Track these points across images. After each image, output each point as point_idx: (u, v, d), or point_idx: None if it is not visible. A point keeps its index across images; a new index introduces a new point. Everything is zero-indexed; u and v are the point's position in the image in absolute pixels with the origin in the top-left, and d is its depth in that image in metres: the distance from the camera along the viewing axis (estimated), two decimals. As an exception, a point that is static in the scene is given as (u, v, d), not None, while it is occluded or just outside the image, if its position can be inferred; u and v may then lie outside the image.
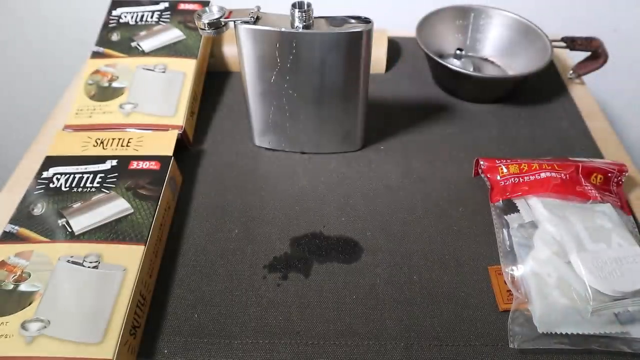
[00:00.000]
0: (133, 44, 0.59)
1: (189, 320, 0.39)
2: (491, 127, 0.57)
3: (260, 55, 0.45)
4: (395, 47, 0.68)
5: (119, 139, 0.49)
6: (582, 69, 0.62)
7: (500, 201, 0.45)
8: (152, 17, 0.61)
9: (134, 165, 0.46)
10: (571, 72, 0.63)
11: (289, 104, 0.48)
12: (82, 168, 0.46)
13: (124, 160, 0.47)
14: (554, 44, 0.59)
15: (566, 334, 0.37)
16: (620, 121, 0.94)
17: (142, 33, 0.60)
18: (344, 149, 0.53)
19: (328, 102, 0.48)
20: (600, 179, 0.46)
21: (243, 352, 0.37)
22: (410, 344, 0.38)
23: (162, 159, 0.47)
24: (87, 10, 0.82)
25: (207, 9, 0.44)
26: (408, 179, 0.51)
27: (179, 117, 0.52)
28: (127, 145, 0.49)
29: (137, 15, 0.62)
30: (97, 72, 0.56)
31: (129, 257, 0.39)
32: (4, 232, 0.41)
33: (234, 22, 0.43)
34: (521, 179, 0.45)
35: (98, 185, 0.45)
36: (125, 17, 0.61)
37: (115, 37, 0.59)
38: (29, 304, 0.36)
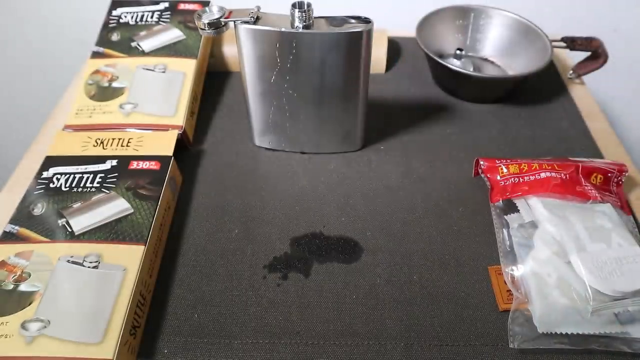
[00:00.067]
0: (133, 44, 0.59)
1: (189, 320, 0.39)
2: (491, 127, 0.57)
3: (260, 55, 0.45)
4: (395, 47, 0.68)
5: (119, 139, 0.49)
6: (582, 69, 0.62)
7: (500, 201, 0.45)
8: (152, 17, 0.61)
9: (134, 165, 0.47)
10: (571, 72, 0.63)
11: (289, 104, 0.48)
12: (82, 168, 0.46)
13: (124, 160, 0.47)
14: (554, 44, 0.59)
15: (566, 334, 0.37)
16: (620, 121, 0.94)
17: (142, 33, 0.60)
18: (344, 149, 0.53)
19: (328, 102, 0.48)
20: (600, 179, 0.46)
21: (243, 352, 0.37)
22: (410, 344, 0.38)
23: (162, 159, 0.47)
24: (87, 10, 0.82)
25: (207, 9, 0.44)
26: (408, 179, 0.51)
27: (179, 117, 0.52)
28: (127, 145, 0.49)
29: (137, 15, 0.62)
30: (97, 72, 0.56)
31: (129, 257, 0.39)
32: (4, 232, 0.41)
33: (234, 22, 0.43)
34: (521, 179, 0.45)
35: (98, 185, 0.45)
36: (125, 17, 0.61)
37: (115, 37, 0.59)
38: (29, 304, 0.36)
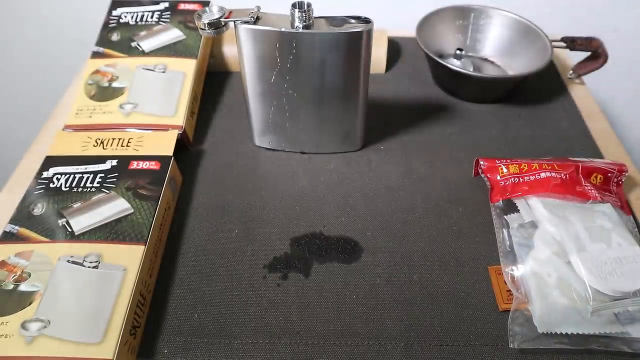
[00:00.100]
0: (133, 44, 0.59)
1: (189, 320, 0.39)
2: (491, 127, 0.57)
3: (260, 55, 0.45)
4: (395, 47, 0.68)
5: (119, 139, 0.49)
6: (582, 69, 0.62)
7: (500, 201, 0.45)
8: (152, 17, 0.61)
9: (134, 165, 0.47)
10: (571, 72, 0.63)
11: (289, 104, 0.48)
12: (82, 168, 0.46)
13: (124, 160, 0.47)
14: (554, 44, 0.59)
15: (566, 333, 0.37)
16: (620, 121, 0.94)
17: (142, 33, 0.60)
18: (344, 149, 0.53)
19: (328, 102, 0.48)
20: (600, 179, 0.46)
21: (243, 352, 0.37)
22: (410, 343, 0.38)
23: (162, 159, 0.47)
24: (87, 10, 0.82)
25: (207, 9, 0.44)
26: (408, 179, 0.51)
27: (179, 117, 0.52)
28: (127, 145, 0.49)
29: (137, 15, 0.62)
30: (97, 72, 0.56)
31: (129, 257, 0.39)
32: (4, 232, 0.41)
33: (234, 22, 0.43)
34: (521, 179, 0.45)
35: (98, 185, 0.45)
36: (125, 17, 0.61)
37: (115, 37, 0.59)
38: (29, 304, 0.36)
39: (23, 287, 0.37)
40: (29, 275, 0.38)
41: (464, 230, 0.46)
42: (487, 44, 0.64)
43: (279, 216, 0.47)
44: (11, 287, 0.37)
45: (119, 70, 0.56)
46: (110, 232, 0.41)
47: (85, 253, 0.39)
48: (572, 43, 0.59)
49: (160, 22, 0.61)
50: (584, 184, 0.44)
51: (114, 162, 0.47)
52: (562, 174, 0.44)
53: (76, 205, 0.43)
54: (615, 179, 0.46)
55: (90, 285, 0.37)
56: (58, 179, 0.45)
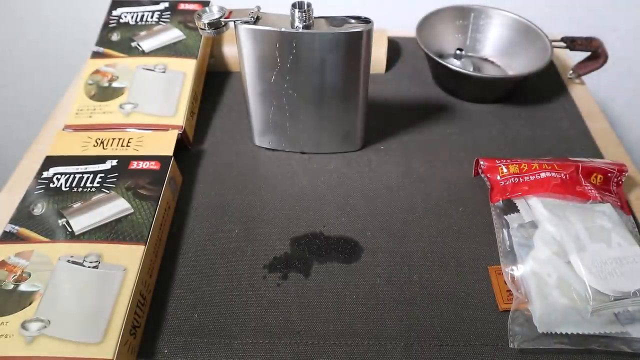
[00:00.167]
0: (133, 44, 0.59)
1: (189, 320, 0.39)
2: (491, 127, 0.57)
3: (260, 55, 0.45)
4: (395, 47, 0.68)
5: (119, 139, 0.49)
6: (582, 69, 0.62)
7: (500, 201, 0.45)
8: (152, 17, 0.61)
9: (134, 165, 0.47)
10: (571, 72, 0.63)
11: (289, 104, 0.48)
12: (82, 168, 0.46)
13: (124, 160, 0.47)
14: (554, 44, 0.59)
15: (566, 333, 0.37)
16: (620, 121, 0.94)
17: (142, 33, 0.60)
18: (344, 149, 0.53)
19: (328, 102, 0.48)
20: (600, 179, 0.46)
21: (243, 352, 0.37)
22: (410, 343, 0.38)
23: (162, 159, 0.47)
24: (88, 10, 0.82)
25: (207, 9, 0.44)
26: (408, 179, 0.51)
27: (179, 117, 0.52)
28: (127, 145, 0.49)
29: (137, 15, 0.62)
30: (97, 72, 0.56)
31: (129, 257, 0.39)
32: (4, 232, 0.41)
33: (234, 22, 0.43)
34: (521, 179, 0.45)
35: (98, 185, 0.45)
36: (126, 17, 0.61)
37: (115, 37, 0.59)
38: (29, 304, 0.36)
39: (23, 287, 0.37)
40: (29, 275, 0.38)
41: (464, 230, 0.46)
42: (487, 44, 0.64)
43: (279, 216, 0.47)
44: (11, 287, 0.37)
45: (119, 70, 0.56)
46: (110, 232, 0.41)
47: (85, 253, 0.39)
48: (572, 43, 0.59)
49: (160, 22, 0.61)
50: (584, 184, 0.44)
51: (114, 162, 0.47)
52: (562, 174, 0.44)
53: (76, 205, 0.43)
54: (615, 179, 0.46)
55: (90, 285, 0.37)
56: (58, 179, 0.45)
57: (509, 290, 0.40)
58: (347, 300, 0.41)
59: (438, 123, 0.57)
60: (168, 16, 0.61)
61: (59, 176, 0.46)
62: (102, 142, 0.49)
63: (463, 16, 0.64)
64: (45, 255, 0.39)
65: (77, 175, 0.46)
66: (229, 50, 0.63)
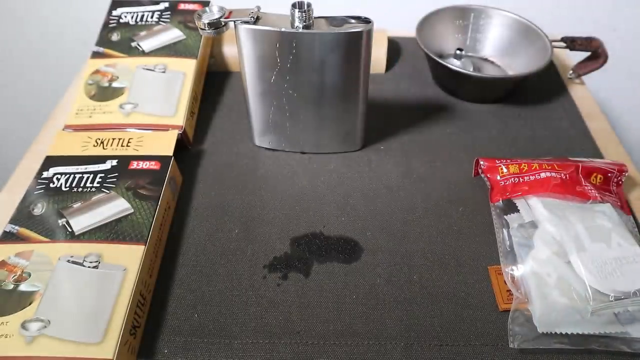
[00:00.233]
0: (133, 44, 0.59)
1: (189, 320, 0.39)
2: (491, 127, 0.57)
3: (260, 55, 0.45)
4: (395, 47, 0.68)
5: (119, 139, 0.49)
6: (582, 69, 0.62)
7: (500, 201, 0.45)
8: (152, 17, 0.61)
9: (134, 165, 0.47)
10: (571, 72, 0.63)
11: (289, 104, 0.48)
12: (82, 168, 0.46)
13: (124, 160, 0.47)
14: (554, 44, 0.59)
15: (566, 333, 0.37)
16: (620, 121, 0.94)
17: (142, 33, 0.60)
18: (344, 149, 0.53)
19: (328, 102, 0.48)
20: (600, 179, 0.46)
21: (243, 352, 0.37)
22: (410, 343, 0.38)
23: (162, 159, 0.47)
24: (88, 10, 0.82)
25: (207, 9, 0.44)
26: (408, 179, 0.51)
27: (179, 117, 0.52)
28: (127, 145, 0.49)
29: (137, 15, 0.62)
30: (97, 72, 0.56)
31: (129, 257, 0.39)
32: (4, 232, 0.41)
33: (234, 22, 0.43)
34: (521, 179, 0.45)
35: (98, 185, 0.45)
36: (126, 17, 0.61)
37: (115, 37, 0.59)
38: (29, 304, 0.36)
39: (23, 287, 0.37)
40: (29, 275, 0.38)
41: (464, 230, 0.46)
42: (487, 44, 0.64)
43: (279, 216, 0.47)
44: (11, 287, 0.37)
45: (119, 70, 0.56)
46: (110, 232, 0.41)
47: (85, 253, 0.39)
48: (572, 43, 0.59)
49: (160, 22, 0.61)
50: (584, 184, 0.44)
51: (114, 162, 0.47)
52: (562, 174, 0.44)
53: (76, 205, 0.43)
54: (615, 179, 0.46)
55: (90, 285, 0.37)
56: (58, 179, 0.45)
57: (509, 290, 0.40)
58: (347, 300, 0.41)
59: (438, 123, 0.57)
60: (168, 16, 0.61)
61: (59, 176, 0.46)
62: (102, 142, 0.49)
63: (463, 16, 0.64)
64: (45, 255, 0.39)
65: (77, 175, 0.46)
66: (229, 50, 0.63)
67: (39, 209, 0.43)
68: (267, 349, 0.37)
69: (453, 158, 0.53)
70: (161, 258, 0.44)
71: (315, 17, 0.43)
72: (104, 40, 0.59)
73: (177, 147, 0.49)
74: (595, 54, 0.59)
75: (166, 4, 0.63)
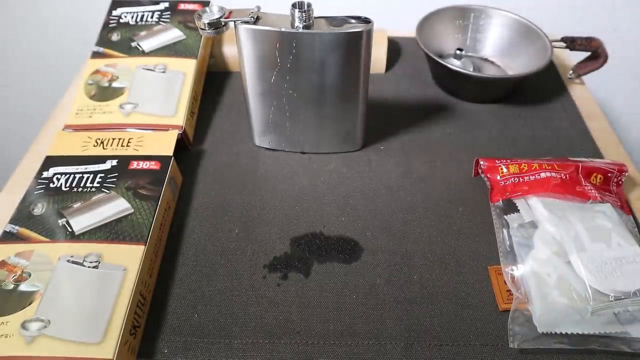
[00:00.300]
0: (133, 44, 0.59)
1: (189, 320, 0.39)
2: (491, 127, 0.57)
3: (260, 55, 0.45)
4: (395, 47, 0.68)
5: (119, 139, 0.49)
6: (582, 69, 0.62)
7: (500, 201, 0.45)
8: (152, 17, 0.61)
9: (134, 165, 0.47)
10: (571, 72, 0.63)
11: (289, 104, 0.48)
12: (82, 168, 0.46)
13: (124, 160, 0.47)
14: (554, 44, 0.59)
15: (566, 333, 0.37)
16: (620, 121, 0.94)
17: (142, 33, 0.60)
18: (344, 149, 0.53)
19: (328, 102, 0.48)
20: (600, 179, 0.46)
21: (243, 352, 0.37)
22: (410, 343, 0.38)
23: (162, 159, 0.47)
24: (88, 10, 0.82)
25: (207, 9, 0.44)
26: (408, 179, 0.51)
27: (179, 117, 0.52)
28: (127, 145, 0.49)
29: (137, 15, 0.62)
30: (97, 72, 0.56)
31: (129, 257, 0.39)
32: (4, 232, 0.41)
33: (234, 22, 0.43)
34: (521, 179, 0.45)
35: (98, 185, 0.45)
36: (126, 17, 0.61)
37: (115, 37, 0.59)
38: (29, 304, 0.36)
39: (23, 287, 0.37)
40: (29, 275, 0.38)
41: (464, 230, 0.46)
42: (487, 44, 0.64)
43: (279, 216, 0.47)
44: (11, 287, 0.37)
45: (119, 70, 0.56)
46: (110, 232, 0.41)
47: (85, 253, 0.39)
48: (572, 43, 0.59)
49: (160, 22, 0.61)
50: (584, 184, 0.44)
51: (114, 162, 0.47)
52: (562, 174, 0.44)
53: (76, 205, 0.43)
54: (615, 179, 0.46)
55: (90, 285, 0.37)
56: (58, 179, 0.46)
57: (509, 290, 0.40)
58: (347, 300, 0.41)
59: (438, 123, 0.57)
60: (168, 16, 0.61)
61: (59, 176, 0.46)
62: (102, 142, 0.49)
63: (463, 16, 0.64)
64: (46, 255, 0.39)
65: (77, 175, 0.46)
66: (229, 50, 0.63)
67: (39, 209, 0.43)
68: (267, 349, 0.37)
69: (453, 158, 0.53)
70: (161, 258, 0.44)
71: (315, 17, 0.43)
72: (104, 40, 0.59)
73: (177, 147, 0.49)
74: (595, 54, 0.59)
75: (166, 4, 0.63)
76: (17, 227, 0.42)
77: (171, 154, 0.48)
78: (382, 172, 0.51)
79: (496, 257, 0.43)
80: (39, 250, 0.40)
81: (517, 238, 0.42)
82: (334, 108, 0.49)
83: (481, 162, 0.48)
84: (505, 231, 0.43)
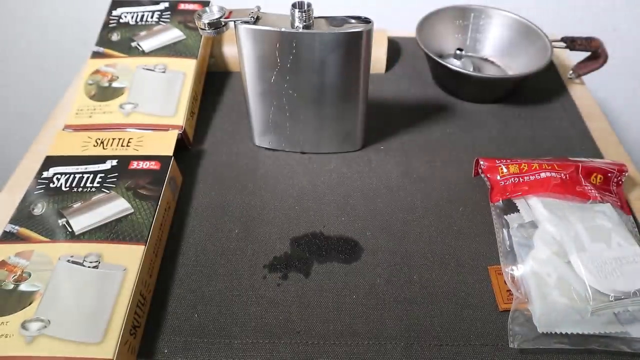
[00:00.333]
0: (133, 44, 0.59)
1: (189, 320, 0.39)
2: (491, 127, 0.57)
3: (260, 55, 0.45)
4: (395, 47, 0.68)
5: (119, 139, 0.49)
6: (582, 69, 0.62)
7: (500, 201, 0.45)
8: (152, 17, 0.61)
9: (134, 165, 0.47)
10: (571, 72, 0.63)
11: (289, 104, 0.48)
12: (82, 168, 0.46)
13: (124, 160, 0.47)
14: (554, 44, 0.59)
15: (566, 333, 0.37)
16: (620, 121, 0.94)
17: (142, 33, 0.60)
18: (344, 149, 0.53)
19: (328, 102, 0.48)
20: (600, 179, 0.46)
21: (243, 352, 0.37)
22: (410, 343, 0.38)
23: (162, 159, 0.47)
24: (88, 10, 0.82)
25: (207, 9, 0.44)
26: (408, 179, 0.51)
27: (179, 117, 0.52)
28: (127, 145, 0.49)
29: (137, 15, 0.62)
30: (97, 72, 0.56)
31: (129, 257, 0.39)
32: (4, 232, 0.41)
33: (234, 22, 0.43)
34: (521, 179, 0.45)
35: (98, 185, 0.45)
36: (126, 17, 0.61)
37: (115, 37, 0.59)
38: (29, 304, 0.36)
39: (23, 287, 0.37)
40: (29, 275, 0.38)
41: (464, 230, 0.46)
42: (487, 44, 0.64)
43: (279, 216, 0.47)
44: (11, 287, 0.37)
45: (119, 70, 0.56)
46: (110, 232, 0.41)
47: (86, 253, 0.39)
48: (572, 43, 0.59)
49: (160, 22, 0.61)
50: (584, 184, 0.44)
51: (114, 162, 0.47)
52: (562, 174, 0.44)
53: (76, 205, 0.43)
54: (615, 179, 0.46)
55: (90, 285, 0.37)
56: (58, 179, 0.46)
57: (509, 290, 0.40)
58: (347, 300, 0.41)
59: (438, 123, 0.57)
60: (168, 16, 0.61)
61: (59, 176, 0.46)
62: (102, 142, 0.49)
63: (463, 16, 0.64)
64: (46, 255, 0.39)
65: (77, 175, 0.46)
66: (229, 50, 0.63)
67: (39, 209, 0.43)
68: (267, 349, 0.37)
69: (453, 158, 0.53)
70: (161, 258, 0.44)
71: (315, 17, 0.43)
72: (104, 40, 0.59)
73: (177, 147, 0.49)
74: (595, 54, 0.59)
75: (166, 4, 0.63)
76: (17, 227, 0.42)
77: (171, 154, 0.48)
78: (382, 172, 0.51)
79: (496, 257, 0.43)
80: (39, 250, 0.40)
81: (517, 238, 0.42)
82: (334, 108, 0.49)
83: (481, 162, 0.48)
84: (505, 231, 0.43)
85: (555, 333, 0.37)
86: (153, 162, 0.47)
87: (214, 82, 0.62)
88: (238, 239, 0.45)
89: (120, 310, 0.36)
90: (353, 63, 0.45)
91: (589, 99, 0.61)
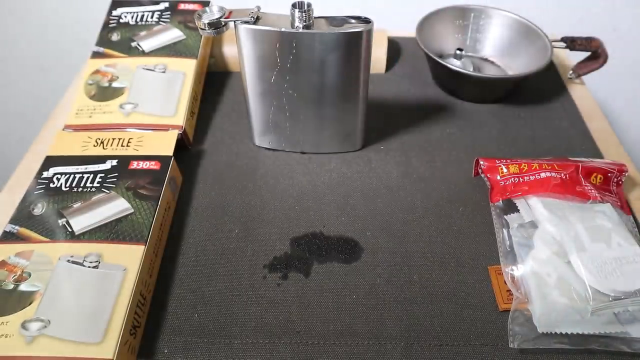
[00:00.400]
0: (133, 44, 0.59)
1: (189, 320, 0.39)
2: (491, 127, 0.57)
3: (260, 55, 0.45)
4: (395, 47, 0.68)
5: (119, 139, 0.49)
6: (582, 69, 0.62)
7: (500, 201, 0.45)
8: (152, 17, 0.61)
9: (134, 165, 0.47)
10: (571, 72, 0.63)
11: (289, 104, 0.48)
12: (82, 168, 0.46)
13: (124, 160, 0.47)
14: (554, 44, 0.59)
15: (566, 333, 0.37)
16: (620, 121, 0.94)
17: (142, 33, 0.60)
18: (344, 149, 0.53)
19: (328, 102, 0.48)
20: (600, 179, 0.46)
21: (243, 352, 0.37)
22: (410, 343, 0.38)
23: (162, 159, 0.47)
24: (88, 10, 0.82)
25: (207, 9, 0.44)
26: (408, 179, 0.51)
27: (179, 117, 0.52)
28: (127, 145, 0.49)
29: (137, 15, 0.62)
30: (97, 72, 0.56)
31: (129, 257, 0.39)
32: (4, 232, 0.41)
33: (234, 22, 0.43)
34: (521, 179, 0.45)
35: (98, 185, 0.45)
36: (126, 17, 0.61)
37: (115, 37, 0.59)
38: (29, 304, 0.36)
39: (23, 287, 0.37)
40: (29, 275, 0.38)
41: (464, 230, 0.46)
42: (487, 44, 0.65)
43: (279, 216, 0.47)
44: (11, 287, 0.37)
45: (119, 70, 0.56)
46: (110, 232, 0.41)
47: (86, 253, 0.39)
48: (572, 43, 0.59)
49: (160, 22, 0.61)
50: (584, 184, 0.44)
51: (114, 162, 0.47)
52: (562, 174, 0.44)
53: (76, 205, 0.43)
54: (615, 179, 0.46)
55: (90, 285, 0.37)
56: (58, 179, 0.46)
57: (509, 290, 0.40)
58: (347, 300, 0.41)
59: (438, 123, 0.57)
60: (168, 16, 0.61)
61: (59, 176, 0.46)
62: (102, 142, 0.49)
63: (463, 16, 0.64)
64: (46, 255, 0.39)
65: (77, 175, 0.46)
66: (229, 50, 0.63)
67: (39, 209, 0.43)
68: (267, 349, 0.37)
69: (453, 158, 0.53)
70: (161, 258, 0.44)
71: (315, 17, 0.43)
72: (104, 40, 0.59)
73: (177, 147, 0.49)
74: (595, 54, 0.59)
75: (166, 4, 0.63)
76: (17, 227, 0.42)
77: (171, 154, 0.48)
78: (382, 172, 0.51)
79: (496, 257, 0.43)
80: (39, 250, 0.40)
81: (517, 238, 0.42)
82: (334, 108, 0.49)
83: (481, 162, 0.48)
84: (505, 231, 0.43)
85: (555, 333, 0.37)
86: (153, 162, 0.47)
87: (214, 82, 0.62)
88: (238, 239, 0.45)
89: (120, 310, 0.36)
90: (353, 63, 0.45)
91: (589, 99, 0.61)
